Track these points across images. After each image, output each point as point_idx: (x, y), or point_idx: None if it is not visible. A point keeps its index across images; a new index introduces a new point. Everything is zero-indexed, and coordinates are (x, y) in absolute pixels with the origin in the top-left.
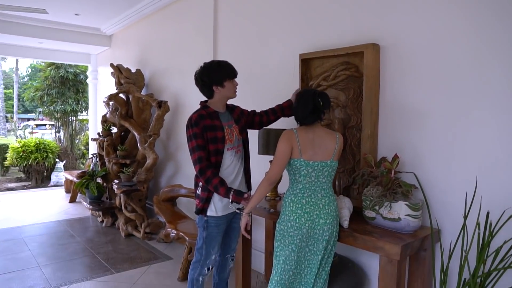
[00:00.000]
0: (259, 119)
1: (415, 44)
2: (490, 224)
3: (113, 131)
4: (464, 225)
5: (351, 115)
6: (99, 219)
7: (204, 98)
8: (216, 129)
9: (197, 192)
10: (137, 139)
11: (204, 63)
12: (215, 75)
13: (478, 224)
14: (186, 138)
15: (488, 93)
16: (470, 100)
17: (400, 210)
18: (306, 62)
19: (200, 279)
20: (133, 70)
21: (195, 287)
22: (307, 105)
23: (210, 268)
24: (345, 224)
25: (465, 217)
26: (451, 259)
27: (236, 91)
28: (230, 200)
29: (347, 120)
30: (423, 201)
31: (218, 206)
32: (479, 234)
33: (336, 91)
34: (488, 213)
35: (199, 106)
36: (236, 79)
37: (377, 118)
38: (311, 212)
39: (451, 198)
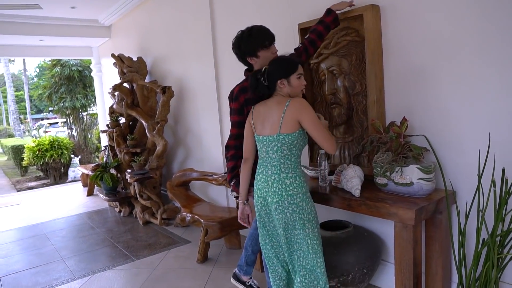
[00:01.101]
0: (306, 57)
1: (417, 1)
2: (506, 180)
3: (121, 121)
4: (479, 184)
5: (355, 82)
6: (117, 210)
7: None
8: None
9: None
10: (145, 127)
11: (237, 32)
12: (246, 46)
13: (493, 182)
14: None
15: (493, 47)
16: (475, 56)
17: (412, 174)
18: (305, 31)
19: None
20: (135, 59)
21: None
22: (251, 85)
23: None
24: (357, 193)
25: (480, 176)
26: (468, 220)
27: None
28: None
29: (352, 87)
30: (435, 163)
31: None
32: (495, 192)
33: (338, 58)
34: (503, 170)
35: (202, 89)
36: (274, 45)
37: (382, 83)
38: (262, 189)
39: (464, 158)
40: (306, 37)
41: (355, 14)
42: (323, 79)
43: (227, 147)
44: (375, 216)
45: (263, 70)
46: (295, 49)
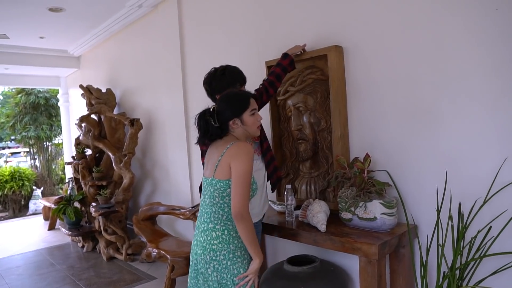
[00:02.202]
0: (266, 98)
1: (377, 43)
2: (462, 215)
3: (87, 153)
4: (438, 219)
5: (320, 119)
6: (80, 245)
7: None
8: None
9: None
10: (112, 160)
11: (211, 69)
12: (217, 84)
13: (450, 217)
14: None
15: (450, 83)
16: (434, 94)
17: (375, 209)
18: None
19: None
20: (104, 90)
21: None
22: (201, 128)
23: None
24: (322, 228)
25: (438, 211)
26: (430, 253)
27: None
28: None
29: (317, 123)
30: (397, 198)
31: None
32: (452, 226)
33: (304, 95)
34: (460, 205)
35: (171, 121)
36: (244, 87)
37: (346, 119)
38: (194, 237)
39: (424, 193)
40: (265, 78)
41: (320, 54)
42: (290, 115)
43: None
44: (340, 251)
45: (211, 109)
46: (256, 90)
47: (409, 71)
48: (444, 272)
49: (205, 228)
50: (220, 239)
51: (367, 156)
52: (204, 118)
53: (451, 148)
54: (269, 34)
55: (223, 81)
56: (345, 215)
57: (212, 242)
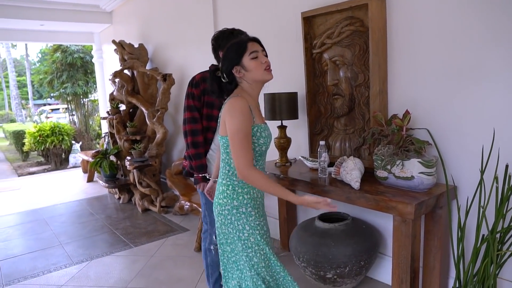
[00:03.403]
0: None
1: None
2: (509, 177)
3: (121, 108)
4: (482, 180)
5: (358, 73)
6: (116, 196)
7: None
8: None
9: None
10: (146, 115)
11: (223, 28)
12: (223, 42)
13: (496, 178)
14: None
15: (501, 43)
16: (481, 51)
17: (413, 168)
18: (309, 20)
19: (212, 248)
20: (136, 45)
21: (208, 257)
22: (213, 89)
23: None
24: (356, 185)
25: (482, 172)
26: (468, 216)
27: None
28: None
29: (355, 78)
30: (437, 157)
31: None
32: (497, 188)
33: (341, 49)
34: (507, 166)
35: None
36: None
37: (385, 74)
38: None
39: (467, 153)
40: None
41: (360, 4)
42: (326, 69)
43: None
44: (374, 210)
45: (220, 66)
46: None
47: (456, 25)
48: (483, 235)
49: (218, 182)
50: (225, 194)
51: (406, 112)
52: (214, 75)
53: (499, 105)
54: None
55: (229, 39)
56: (381, 173)
57: (219, 196)
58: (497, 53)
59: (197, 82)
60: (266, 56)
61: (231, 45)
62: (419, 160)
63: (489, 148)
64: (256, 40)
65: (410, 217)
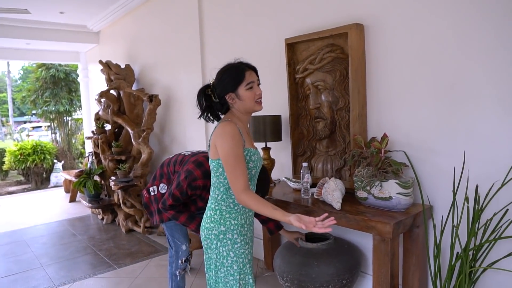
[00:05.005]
0: None
1: (398, 21)
2: (479, 197)
3: (106, 128)
4: (454, 200)
5: (339, 97)
6: (100, 217)
7: None
8: None
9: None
10: (131, 135)
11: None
12: None
13: (466, 198)
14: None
15: (473, 68)
16: (455, 76)
17: (391, 188)
18: (292, 46)
19: (177, 273)
20: (123, 66)
21: (174, 282)
22: (200, 104)
23: (184, 260)
24: (338, 206)
25: (455, 193)
26: (444, 234)
27: None
28: None
29: (335, 102)
30: (413, 178)
31: None
32: (468, 208)
33: (323, 74)
34: (477, 187)
35: (189, 98)
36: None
37: (364, 99)
38: None
39: (441, 174)
40: None
41: (340, 32)
42: (308, 93)
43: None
44: (355, 229)
45: (211, 84)
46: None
47: (430, 52)
48: (457, 252)
49: (207, 206)
50: (212, 219)
51: (384, 136)
52: (205, 93)
53: (470, 129)
54: (288, 11)
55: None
56: (361, 193)
57: (206, 220)
58: (469, 79)
59: (196, 186)
60: (259, 85)
61: (229, 69)
62: (397, 181)
63: (461, 170)
64: (254, 69)
65: (388, 236)
